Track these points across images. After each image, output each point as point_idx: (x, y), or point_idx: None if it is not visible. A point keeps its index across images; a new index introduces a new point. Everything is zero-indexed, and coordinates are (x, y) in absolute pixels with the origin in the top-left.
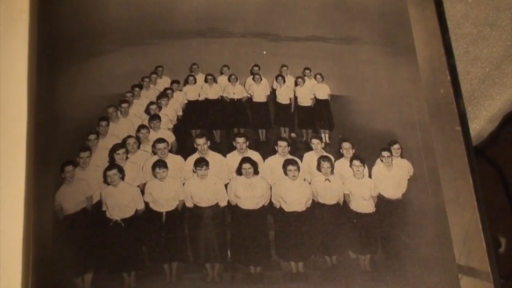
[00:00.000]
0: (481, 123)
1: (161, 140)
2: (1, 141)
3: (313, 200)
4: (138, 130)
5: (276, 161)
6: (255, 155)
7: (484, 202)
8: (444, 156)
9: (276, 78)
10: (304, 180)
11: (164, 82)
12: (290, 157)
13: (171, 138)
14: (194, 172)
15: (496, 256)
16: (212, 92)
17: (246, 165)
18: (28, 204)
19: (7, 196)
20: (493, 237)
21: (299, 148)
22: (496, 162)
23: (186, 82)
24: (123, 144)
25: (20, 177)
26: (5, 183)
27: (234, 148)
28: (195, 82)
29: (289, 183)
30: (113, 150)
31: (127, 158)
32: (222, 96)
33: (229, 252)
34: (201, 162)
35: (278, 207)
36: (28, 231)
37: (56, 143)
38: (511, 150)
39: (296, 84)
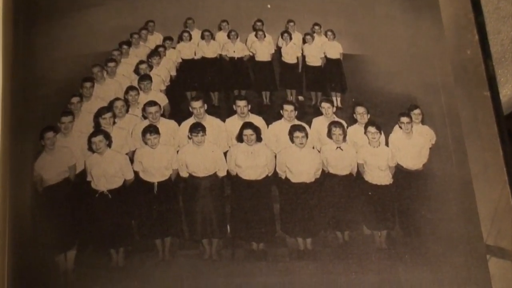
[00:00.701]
0: None
1: (152, 103)
2: None
3: (323, 170)
4: (126, 92)
5: (281, 127)
6: (257, 120)
7: None
8: (470, 124)
9: (282, 34)
10: (313, 148)
11: (155, 38)
12: (297, 122)
13: (163, 101)
14: (190, 138)
15: None
16: (209, 50)
17: (248, 131)
18: (3, 175)
19: None
20: None
21: (307, 113)
22: None
23: (180, 39)
24: (109, 107)
25: None
26: None
27: (234, 112)
28: (190, 39)
29: (296, 151)
30: (99, 114)
31: (114, 123)
32: (220, 55)
33: (228, 227)
34: (197, 128)
35: (283, 177)
36: (4, 205)
37: (35, 107)
38: None
39: (304, 42)
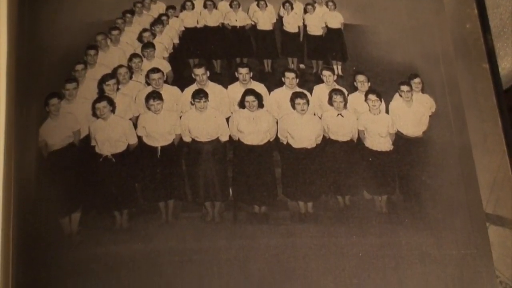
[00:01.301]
0: (511, 61)
1: (155, 70)
2: None
3: (324, 136)
4: (130, 59)
5: (283, 94)
6: (259, 87)
7: None
8: (470, 96)
9: (283, 4)
10: (314, 114)
11: (158, 7)
12: (298, 89)
13: (166, 67)
14: (192, 104)
15: None
16: (211, 19)
17: (250, 98)
18: (9, 141)
19: None
20: None
21: (308, 80)
22: None
23: (183, 7)
24: (113, 74)
25: (0, 111)
26: None
27: (237, 79)
28: (193, 8)
29: (297, 117)
30: (103, 80)
31: (118, 89)
32: (223, 24)
33: (231, 190)
34: (200, 94)
35: (285, 143)
36: (10, 170)
37: (39, 74)
38: None
39: (305, 12)
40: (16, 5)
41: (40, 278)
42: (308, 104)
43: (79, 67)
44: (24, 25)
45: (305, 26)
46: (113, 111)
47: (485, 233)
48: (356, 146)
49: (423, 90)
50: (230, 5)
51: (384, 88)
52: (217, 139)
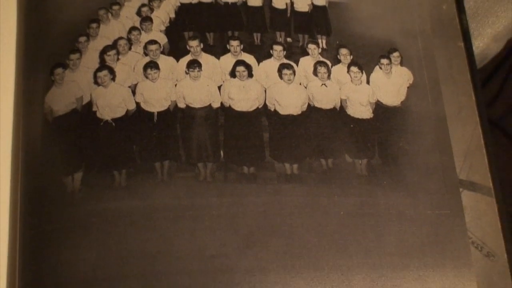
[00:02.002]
0: (485, 40)
1: (152, 42)
2: None
3: (309, 104)
4: (129, 32)
5: (271, 65)
6: (249, 58)
7: (498, 176)
8: (446, 71)
9: None
10: (300, 84)
11: None
12: (285, 61)
13: (163, 39)
14: (187, 73)
15: None
16: None
17: (240, 68)
18: (17, 107)
19: None
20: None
21: (295, 53)
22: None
23: None
24: (113, 45)
25: (9, 81)
26: None
27: (228, 51)
28: None
29: (284, 86)
30: (104, 51)
31: (118, 59)
32: (216, 0)
33: (222, 152)
34: (194, 64)
35: (272, 110)
36: (18, 134)
37: (46, 46)
38: None
39: None
40: None
41: (45, 231)
42: (295, 74)
43: (82, 39)
44: (31, 1)
45: (292, 3)
46: (113, 79)
47: (458, 196)
48: (339, 113)
49: (401, 63)
50: None
51: (365, 61)
52: (210, 106)
